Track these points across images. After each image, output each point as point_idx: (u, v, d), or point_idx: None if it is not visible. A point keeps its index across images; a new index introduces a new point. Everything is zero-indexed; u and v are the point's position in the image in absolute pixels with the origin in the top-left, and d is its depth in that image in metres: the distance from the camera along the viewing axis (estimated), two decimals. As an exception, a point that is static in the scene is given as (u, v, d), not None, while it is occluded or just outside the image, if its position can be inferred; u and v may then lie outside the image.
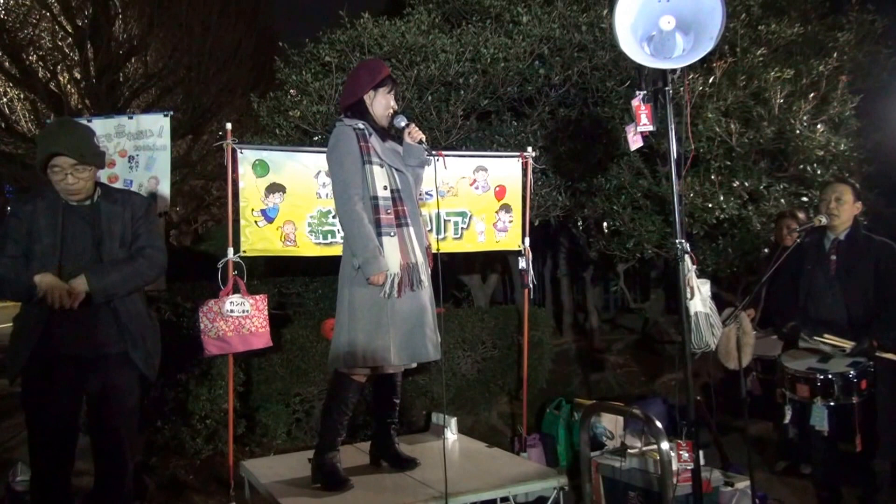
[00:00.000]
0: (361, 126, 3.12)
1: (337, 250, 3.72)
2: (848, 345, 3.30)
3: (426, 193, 4.10)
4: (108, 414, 2.66)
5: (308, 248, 3.96)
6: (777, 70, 4.88)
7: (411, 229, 3.16)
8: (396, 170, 3.17)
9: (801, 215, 4.46)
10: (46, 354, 2.60)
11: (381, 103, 3.21)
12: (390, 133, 3.32)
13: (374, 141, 3.14)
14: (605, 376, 6.39)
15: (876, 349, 3.24)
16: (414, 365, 3.35)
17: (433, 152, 3.32)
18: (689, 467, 2.82)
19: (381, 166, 3.12)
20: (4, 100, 9.69)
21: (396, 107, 3.28)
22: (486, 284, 6.81)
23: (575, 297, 8.27)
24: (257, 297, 3.75)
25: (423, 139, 3.24)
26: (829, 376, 3.19)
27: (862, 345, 3.26)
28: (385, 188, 3.11)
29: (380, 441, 3.44)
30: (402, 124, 3.25)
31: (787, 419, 3.40)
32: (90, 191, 2.72)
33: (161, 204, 3.99)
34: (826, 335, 3.39)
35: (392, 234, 3.08)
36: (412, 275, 3.10)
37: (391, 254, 3.05)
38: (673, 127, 2.80)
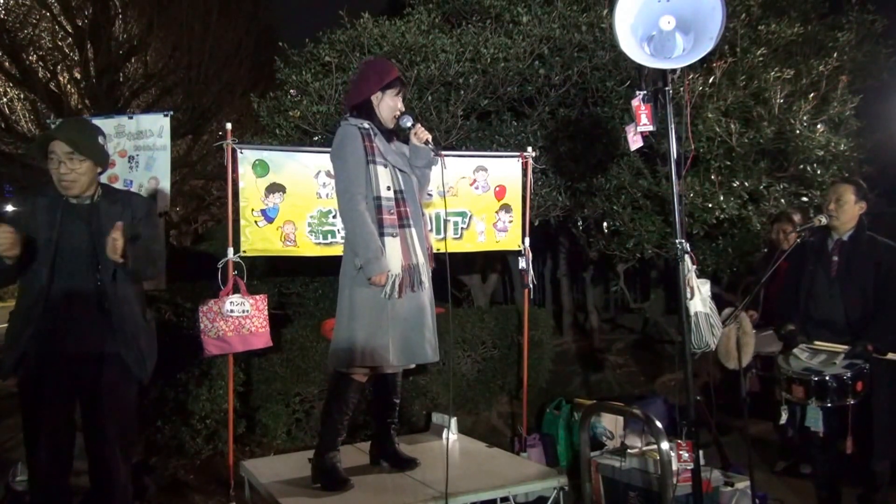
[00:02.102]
0: (366, 126, 3.11)
1: (337, 250, 3.72)
2: (842, 349, 3.29)
3: (426, 194, 4.10)
4: (100, 414, 2.65)
5: (308, 248, 3.96)
6: (777, 70, 4.88)
7: (413, 230, 3.15)
8: (400, 171, 3.17)
9: (796, 217, 4.44)
10: (39, 353, 2.60)
11: (388, 105, 3.18)
12: (396, 134, 3.31)
13: (379, 141, 3.13)
14: (605, 376, 6.38)
15: (871, 353, 3.24)
16: (413, 365, 3.35)
17: (438, 152, 3.29)
18: (689, 467, 2.83)
19: (385, 167, 3.11)
20: (4, 100, 9.69)
21: (403, 109, 3.25)
22: (486, 284, 6.80)
23: (575, 297, 8.26)
24: (257, 297, 3.75)
25: (430, 139, 3.22)
26: (824, 378, 3.19)
27: (856, 349, 3.26)
28: (388, 189, 3.10)
29: (380, 441, 3.44)
30: (409, 124, 3.22)
31: (783, 420, 3.40)
32: (85, 187, 2.70)
33: (161, 204, 3.99)
34: (817, 342, 3.39)
35: (394, 234, 3.07)
36: (413, 276, 3.10)
37: (393, 254, 3.04)
38: (673, 127, 2.80)
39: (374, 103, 3.17)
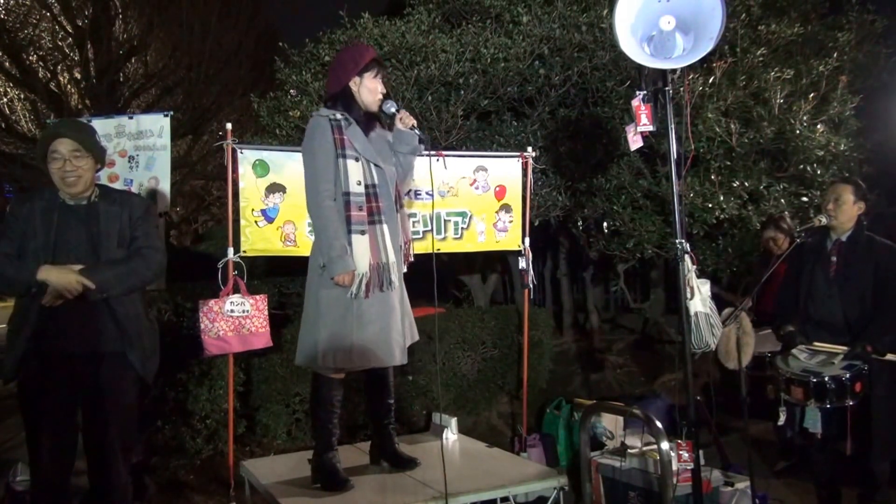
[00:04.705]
0: (339, 117, 2.99)
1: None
2: (841, 350, 3.29)
3: (426, 193, 4.10)
4: (102, 414, 2.65)
5: (308, 248, 3.93)
6: (777, 70, 4.89)
7: (385, 227, 3.01)
8: (375, 165, 3.03)
9: (784, 225, 4.43)
10: (41, 353, 2.60)
11: (369, 88, 3.05)
12: (379, 120, 3.18)
13: (353, 133, 3.00)
14: (605, 376, 6.38)
15: (870, 354, 3.24)
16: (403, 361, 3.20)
17: (425, 137, 3.13)
18: (689, 467, 2.83)
19: (357, 160, 2.97)
20: (4, 100, 9.70)
21: (384, 90, 3.11)
22: (486, 284, 6.81)
23: (575, 297, 8.27)
24: (257, 297, 3.75)
25: (415, 124, 3.10)
26: (823, 379, 3.19)
27: (855, 350, 3.26)
28: (359, 183, 2.96)
29: (379, 442, 3.42)
30: (393, 110, 3.09)
31: (782, 421, 3.40)
32: (87, 184, 2.70)
33: (161, 204, 3.99)
34: (816, 342, 3.39)
35: (363, 231, 2.94)
36: (382, 275, 2.97)
37: (360, 253, 2.93)
38: (673, 127, 2.80)
39: (354, 89, 3.05)
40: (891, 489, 3.49)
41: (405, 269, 3.19)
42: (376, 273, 2.96)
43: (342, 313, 2.95)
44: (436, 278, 3.04)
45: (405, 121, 3.10)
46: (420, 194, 4.13)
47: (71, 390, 2.65)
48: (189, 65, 9.48)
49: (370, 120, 3.13)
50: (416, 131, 3.10)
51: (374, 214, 2.99)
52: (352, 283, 2.91)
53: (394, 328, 3.02)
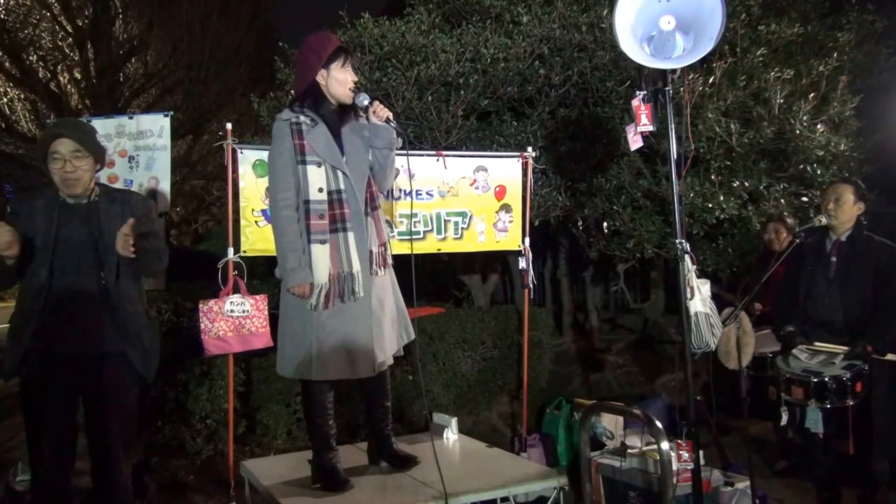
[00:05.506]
0: (300, 120, 2.85)
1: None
2: (841, 350, 3.29)
3: (426, 193, 4.10)
4: (104, 413, 2.66)
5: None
6: (777, 70, 4.89)
7: (350, 234, 2.85)
8: (342, 171, 2.87)
9: (790, 220, 4.45)
10: (42, 352, 2.60)
11: (338, 79, 2.88)
12: (356, 112, 2.99)
13: (315, 135, 2.84)
14: (605, 376, 6.38)
15: (870, 353, 3.24)
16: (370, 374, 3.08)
17: (401, 130, 2.95)
18: (689, 467, 2.83)
19: (319, 165, 2.82)
20: (4, 100, 9.71)
21: (356, 79, 2.93)
22: (486, 284, 6.81)
23: (575, 297, 8.26)
24: (257, 297, 3.75)
25: (390, 117, 2.91)
26: (824, 379, 3.19)
27: (855, 349, 3.26)
28: (320, 190, 2.81)
29: (377, 444, 3.40)
30: (366, 103, 2.89)
31: (784, 421, 3.40)
32: (86, 186, 2.71)
33: (161, 204, 4.00)
34: (817, 342, 3.39)
35: (323, 241, 2.80)
36: (343, 286, 2.83)
37: (320, 263, 2.80)
38: (673, 127, 2.80)
39: (322, 83, 2.88)
40: (891, 489, 3.50)
41: (383, 273, 3.04)
42: (337, 283, 2.83)
43: (302, 325, 2.88)
44: (414, 279, 2.96)
45: (379, 114, 2.89)
46: (420, 194, 4.13)
47: (72, 390, 2.65)
48: (189, 65, 9.49)
49: (345, 114, 2.96)
50: (392, 124, 2.91)
51: (338, 222, 2.84)
52: (310, 294, 2.81)
53: (358, 340, 2.89)
